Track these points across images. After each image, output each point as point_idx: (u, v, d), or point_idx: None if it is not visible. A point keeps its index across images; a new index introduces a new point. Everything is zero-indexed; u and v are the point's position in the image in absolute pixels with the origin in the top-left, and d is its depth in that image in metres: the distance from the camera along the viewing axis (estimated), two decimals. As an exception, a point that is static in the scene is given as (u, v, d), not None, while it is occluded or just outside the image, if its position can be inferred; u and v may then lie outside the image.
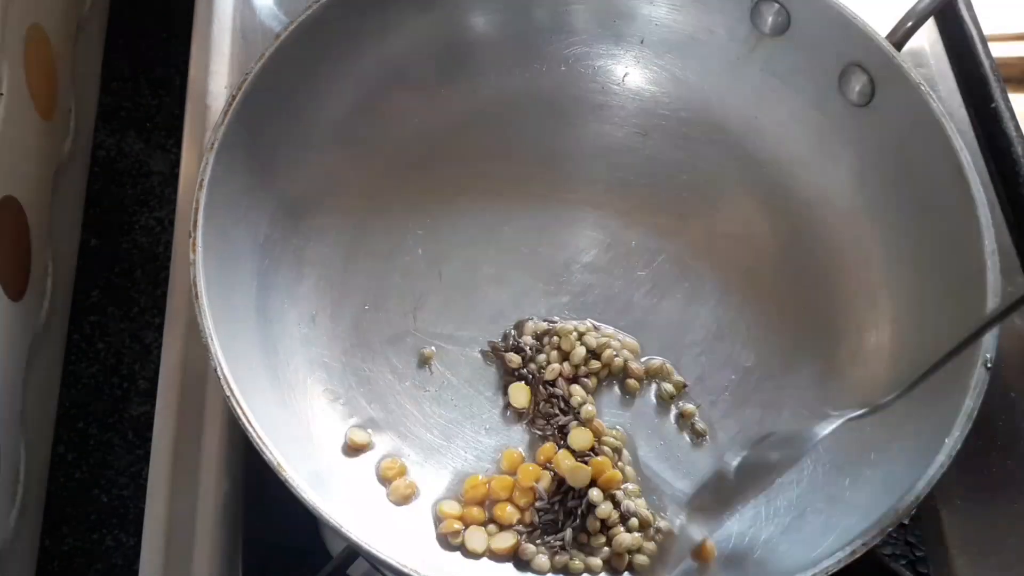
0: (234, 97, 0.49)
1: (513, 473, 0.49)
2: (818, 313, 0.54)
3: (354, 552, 0.46)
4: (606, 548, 0.48)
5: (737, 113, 0.58)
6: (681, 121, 0.58)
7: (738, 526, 0.48)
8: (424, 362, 0.52)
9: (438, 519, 0.48)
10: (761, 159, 0.57)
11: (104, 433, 0.56)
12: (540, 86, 0.59)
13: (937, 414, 0.44)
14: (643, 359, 0.53)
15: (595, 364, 0.52)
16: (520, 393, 0.51)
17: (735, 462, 0.47)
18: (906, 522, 0.52)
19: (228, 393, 0.43)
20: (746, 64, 0.57)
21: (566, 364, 0.52)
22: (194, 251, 0.45)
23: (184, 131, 0.58)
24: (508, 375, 0.52)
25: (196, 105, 0.58)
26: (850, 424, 0.50)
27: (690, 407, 0.52)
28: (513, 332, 0.53)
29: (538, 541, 0.47)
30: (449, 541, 0.47)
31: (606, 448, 0.50)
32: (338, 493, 0.46)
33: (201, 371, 0.51)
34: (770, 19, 0.55)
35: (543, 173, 0.58)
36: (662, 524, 0.48)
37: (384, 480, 0.49)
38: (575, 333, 0.53)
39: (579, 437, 0.50)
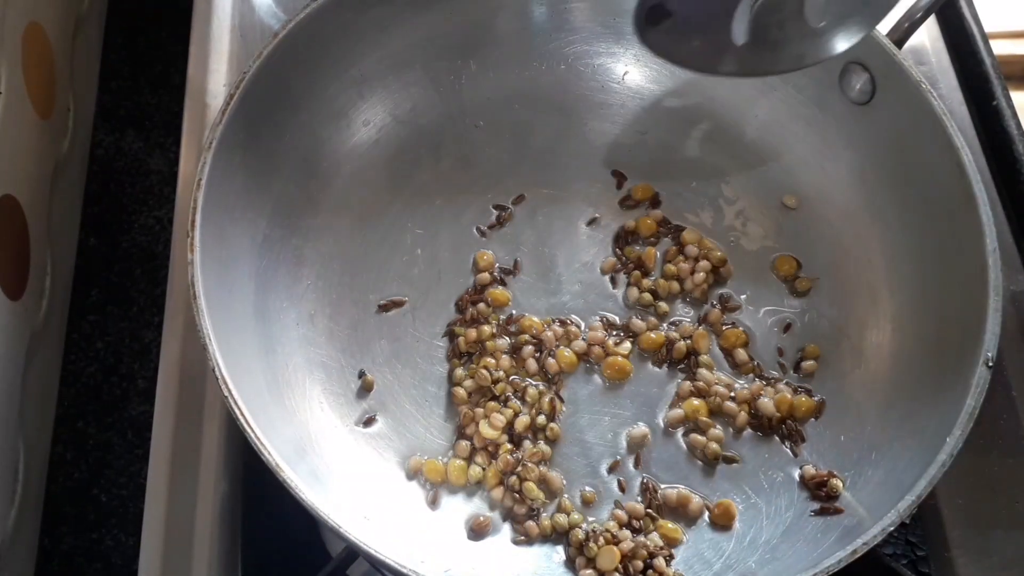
0: (232, 96, 0.49)
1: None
2: (819, 311, 0.54)
3: (354, 552, 0.46)
4: None
5: (737, 112, 0.57)
6: (681, 120, 0.58)
7: (740, 526, 0.48)
8: (424, 362, 0.52)
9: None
10: (762, 158, 0.57)
11: (103, 433, 0.56)
12: (540, 84, 0.59)
13: (939, 413, 0.44)
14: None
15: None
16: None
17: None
18: (907, 521, 0.52)
19: (226, 393, 0.42)
20: (746, 62, 0.56)
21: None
22: (192, 251, 0.45)
23: (183, 130, 0.58)
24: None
25: (195, 103, 0.58)
26: (851, 424, 0.50)
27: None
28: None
29: None
30: None
31: None
32: (337, 493, 0.46)
33: (200, 371, 0.51)
34: (770, 17, 0.54)
35: (543, 172, 0.57)
36: None
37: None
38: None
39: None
